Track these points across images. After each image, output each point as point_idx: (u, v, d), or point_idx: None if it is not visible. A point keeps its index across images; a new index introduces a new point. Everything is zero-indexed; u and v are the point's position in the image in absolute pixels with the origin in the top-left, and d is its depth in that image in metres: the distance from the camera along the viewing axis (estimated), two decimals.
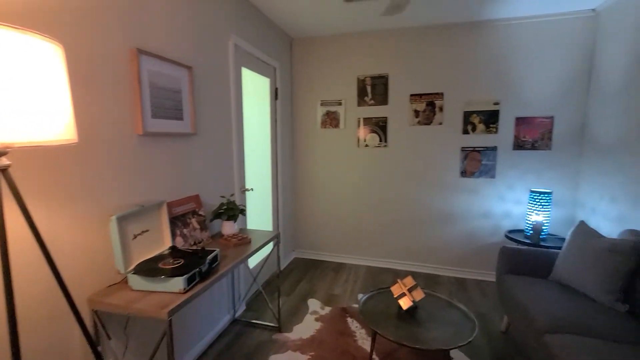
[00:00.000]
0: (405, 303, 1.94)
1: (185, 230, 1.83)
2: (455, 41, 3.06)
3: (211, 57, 2.16)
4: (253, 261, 2.95)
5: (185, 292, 1.35)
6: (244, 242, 1.99)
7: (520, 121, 2.96)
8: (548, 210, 2.69)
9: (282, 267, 3.54)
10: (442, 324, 1.83)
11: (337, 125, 3.48)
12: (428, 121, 3.20)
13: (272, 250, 2.52)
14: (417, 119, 3.23)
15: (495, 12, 2.80)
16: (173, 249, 1.63)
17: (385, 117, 3.32)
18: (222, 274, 1.57)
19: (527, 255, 2.29)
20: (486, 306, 2.74)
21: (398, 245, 3.49)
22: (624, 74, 2.38)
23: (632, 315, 1.76)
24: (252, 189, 2.67)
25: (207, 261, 1.52)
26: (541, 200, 2.68)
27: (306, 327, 2.41)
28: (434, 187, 3.28)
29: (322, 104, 3.50)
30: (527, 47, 2.90)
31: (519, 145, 2.99)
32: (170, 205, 1.77)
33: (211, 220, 2.07)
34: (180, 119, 1.87)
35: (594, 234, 2.00)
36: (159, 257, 1.53)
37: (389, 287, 2.18)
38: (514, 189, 3.05)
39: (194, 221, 1.91)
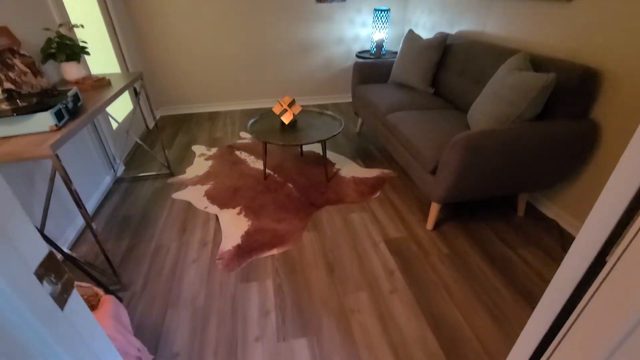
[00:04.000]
0: (286, 118, 2.21)
1: (12, 75, 1.42)
2: None
3: None
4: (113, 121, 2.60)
5: (59, 128, 1.19)
6: (102, 83, 1.71)
7: None
8: (386, 28, 3.15)
9: (151, 126, 3.26)
10: (317, 128, 2.23)
11: None
12: None
13: (138, 103, 2.25)
14: None
15: None
16: (9, 92, 1.29)
17: None
18: (95, 111, 1.40)
19: (373, 67, 2.79)
20: (344, 120, 3.37)
21: (265, 84, 3.60)
22: None
23: (436, 94, 2.54)
24: (82, 26, 2.09)
25: (70, 98, 1.30)
26: (382, 18, 3.08)
27: (199, 167, 2.52)
28: (290, 16, 3.26)
29: None
30: None
31: None
32: None
33: (43, 62, 1.63)
34: None
35: (417, 38, 2.54)
36: None
37: (270, 109, 2.38)
38: (361, 11, 3.34)
39: (18, 63, 1.47)
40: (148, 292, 1.52)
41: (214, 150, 2.77)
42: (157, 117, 3.50)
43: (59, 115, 1.20)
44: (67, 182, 1.16)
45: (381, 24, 3.11)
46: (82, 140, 2.03)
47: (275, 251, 1.72)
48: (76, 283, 1.11)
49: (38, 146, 1.07)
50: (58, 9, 1.91)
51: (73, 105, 1.32)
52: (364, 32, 3.45)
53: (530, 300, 1.46)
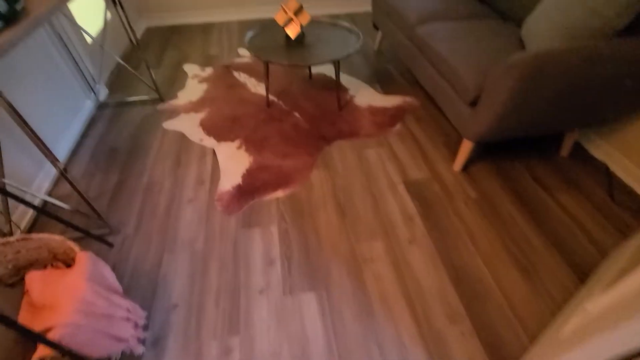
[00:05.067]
0: (292, 31, 1.80)
1: None
2: None
3: None
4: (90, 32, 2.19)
5: None
6: None
7: None
8: None
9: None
10: (330, 43, 1.83)
11: None
12: None
13: (110, 10, 1.83)
14: None
15: None
16: None
17: None
18: (40, 16, 1.06)
19: None
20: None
21: None
22: None
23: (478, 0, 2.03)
24: None
25: None
26: None
27: (192, 91, 2.20)
28: None
29: None
30: None
31: None
32: None
33: None
34: None
35: None
36: None
37: (273, 19, 1.95)
38: None
39: None
40: (142, 235, 1.38)
41: (208, 70, 2.40)
42: (143, 27, 3.02)
43: None
44: (27, 129, 0.91)
45: None
46: (49, 58, 1.69)
47: (280, 193, 1.53)
48: (44, 236, 0.94)
49: None
50: None
51: (8, 7, 0.98)
52: None
53: (565, 253, 1.30)
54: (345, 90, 2.17)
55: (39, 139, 0.97)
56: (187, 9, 3.02)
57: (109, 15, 2.35)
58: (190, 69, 2.43)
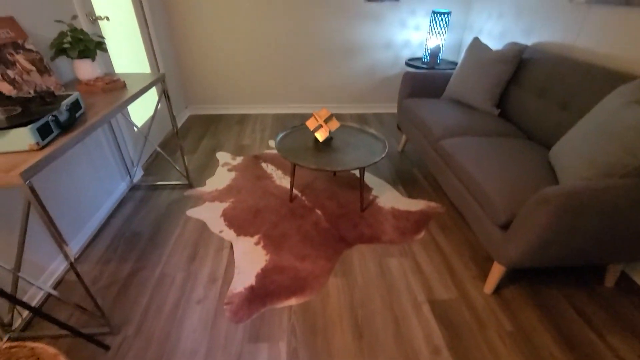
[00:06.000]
0: (321, 135, 1.91)
1: (10, 73, 1.23)
2: None
3: None
4: (139, 120, 2.43)
5: (42, 148, 0.96)
6: (115, 86, 1.49)
7: None
8: (444, 33, 2.75)
9: (177, 126, 3.09)
10: (356, 148, 1.90)
11: None
12: None
13: (160, 102, 2.05)
14: None
15: None
16: None
17: None
18: (94, 124, 1.17)
19: (425, 79, 2.40)
20: (385, 134, 3.01)
21: (302, 88, 3.31)
22: None
23: (502, 116, 2.12)
24: (107, 18, 1.91)
25: (65, 107, 1.08)
26: (440, 22, 2.68)
27: (220, 179, 2.29)
28: (337, 14, 2.94)
29: None
30: None
31: None
32: None
33: (53, 59, 1.44)
34: None
35: (485, 48, 2.13)
36: None
37: (303, 123, 2.09)
38: (416, 14, 2.95)
39: (21, 59, 1.28)
40: (142, 337, 1.28)
41: (239, 159, 2.53)
42: (186, 115, 3.33)
43: (44, 131, 0.97)
44: (46, 218, 0.93)
45: (439, 28, 2.71)
46: (97, 142, 1.85)
47: (294, 301, 1.42)
48: (37, 346, 0.87)
49: (6, 173, 0.84)
50: None
51: (68, 115, 1.09)
52: (416, 36, 3.05)
53: None
54: (369, 190, 2.18)
55: (56, 229, 0.97)
56: (226, 102, 3.35)
57: (159, 106, 2.63)
58: (223, 156, 2.57)
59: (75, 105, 1.15)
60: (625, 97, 1.22)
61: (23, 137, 0.92)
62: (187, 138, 2.91)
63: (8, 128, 0.90)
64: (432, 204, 2.05)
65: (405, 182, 2.28)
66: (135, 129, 2.28)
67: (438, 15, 2.67)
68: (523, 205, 1.25)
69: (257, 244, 1.71)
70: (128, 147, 2.15)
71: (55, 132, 1.02)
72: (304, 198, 2.07)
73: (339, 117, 3.37)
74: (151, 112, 2.59)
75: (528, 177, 1.39)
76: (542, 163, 1.50)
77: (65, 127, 1.07)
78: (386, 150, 1.84)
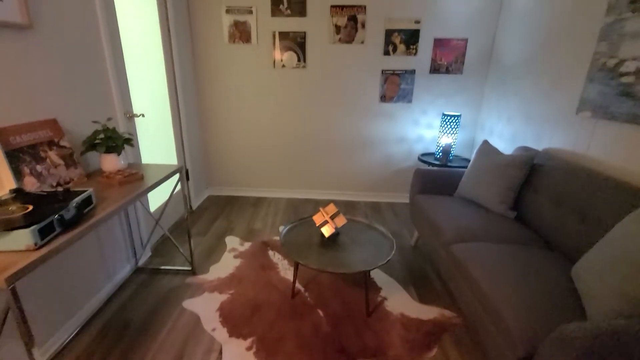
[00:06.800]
0: (327, 231, 1.88)
1: (39, 167, 1.35)
2: None
3: None
4: (157, 201, 2.54)
5: (38, 248, 0.98)
6: (132, 178, 1.59)
7: (438, 43, 2.91)
8: (456, 133, 2.85)
9: (195, 206, 3.19)
10: (363, 246, 1.84)
11: (248, 40, 2.96)
12: (350, 39, 2.92)
13: (178, 186, 2.15)
14: (338, 36, 2.92)
15: None
16: (18, 191, 1.17)
17: (304, 32, 2.92)
18: (98, 221, 1.21)
19: (437, 176, 2.41)
20: (398, 225, 2.94)
21: (317, 175, 3.42)
22: None
23: (519, 220, 2.02)
24: (142, 115, 2.14)
25: (73, 205, 1.13)
26: (451, 124, 2.80)
27: (224, 266, 2.24)
28: (354, 113, 3.17)
29: (227, 11, 2.89)
30: None
31: (435, 68, 2.98)
32: (4, 133, 1.24)
33: (82, 154, 1.58)
34: None
35: (495, 152, 2.15)
36: None
37: (311, 216, 2.09)
38: (427, 114, 3.12)
39: (52, 155, 1.42)
40: None
41: (246, 245, 2.51)
42: (206, 195, 3.46)
43: (46, 231, 1.00)
44: (21, 325, 0.90)
45: (450, 129, 2.82)
46: (108, 223, 1.90)
47: None
48: None
49: None
50: (123, 99, 1.98)
51: (75, 213, 1.14)
52: (428, 134, 3.19)
53: None
54: (377, 289, 2.03)
55: (30, 335, 0.93)
56: (245, 184, 3.49)
57: (176, 189, 2.76)
58: (231, 241, 2.56)
59: (85, 202, 1.21)
60: None
61: (22, 238, 0.95)
62: (201, 218, 2.97)
63: (12, 229, 0.93)
64: (447, 313, 1.86)
65: (418, 283, 2.12)
66: (149, 214, 2.36)
67: (448, 117, 2.81)
68: (544, 339, 1.09)
69: (249, 349, 1.57)
70: (141, 228, 2.20)
71: (57, 230, 1.06)
72: (307, 294, 1.95)
73: (352, 204, 3.38)
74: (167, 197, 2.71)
75: (549, 300, 1.24)
76: (563, 280, 1.35)
77: (69, 225, 1.11)
78: (393, 252, 1.76)
